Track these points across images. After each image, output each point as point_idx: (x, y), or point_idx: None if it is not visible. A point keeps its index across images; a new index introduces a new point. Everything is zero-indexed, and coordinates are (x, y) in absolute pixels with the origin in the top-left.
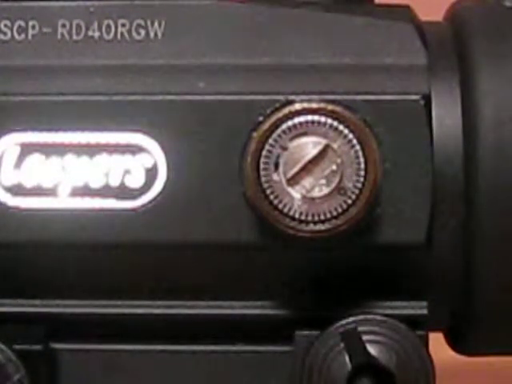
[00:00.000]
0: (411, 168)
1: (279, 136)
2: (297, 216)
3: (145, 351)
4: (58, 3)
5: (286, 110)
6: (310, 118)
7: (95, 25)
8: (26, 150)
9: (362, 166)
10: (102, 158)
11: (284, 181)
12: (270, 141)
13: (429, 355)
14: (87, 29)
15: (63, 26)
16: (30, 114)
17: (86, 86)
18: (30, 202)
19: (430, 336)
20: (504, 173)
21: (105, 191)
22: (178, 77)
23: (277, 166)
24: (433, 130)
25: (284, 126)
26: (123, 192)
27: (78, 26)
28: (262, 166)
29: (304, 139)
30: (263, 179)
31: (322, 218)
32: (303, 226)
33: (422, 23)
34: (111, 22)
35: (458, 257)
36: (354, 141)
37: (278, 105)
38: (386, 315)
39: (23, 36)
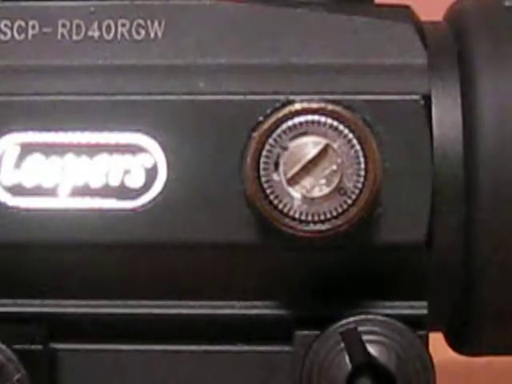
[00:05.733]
0: (411, 168)
1: (279, 136)
2: (297, 216)
3: (145, 351)
4: (58, 3)
5: (286, 110)
6: (309, 117)
7: (95, 25)
8: (26, 149)
9: (362, 165)
10: (102, 158)
11: (284, 181)
12: (270, 141)
13: (429, 355)
14: (87, 29)
15: (63, 25)
16: (30, 114)
17: (86, 86)
18: (30, 201)
19: (430, 336)
20: (504, 173)
21: (105, 191)
22: (178, 77)
23: (277, 165)
24: (433, 129)
25: (284, 126)
26: (123, 192)
27: (78, 26)
28: (262, 165)
29: (304, 139)
30: (263, 179)
31: (322, 217)
32: (303, 226)
33: (422, 23)
34: (111, 22)
35: (457, 257)
36: (354, 141)
37: (277, 105)
38: (386, 315)
39: (23, 36)
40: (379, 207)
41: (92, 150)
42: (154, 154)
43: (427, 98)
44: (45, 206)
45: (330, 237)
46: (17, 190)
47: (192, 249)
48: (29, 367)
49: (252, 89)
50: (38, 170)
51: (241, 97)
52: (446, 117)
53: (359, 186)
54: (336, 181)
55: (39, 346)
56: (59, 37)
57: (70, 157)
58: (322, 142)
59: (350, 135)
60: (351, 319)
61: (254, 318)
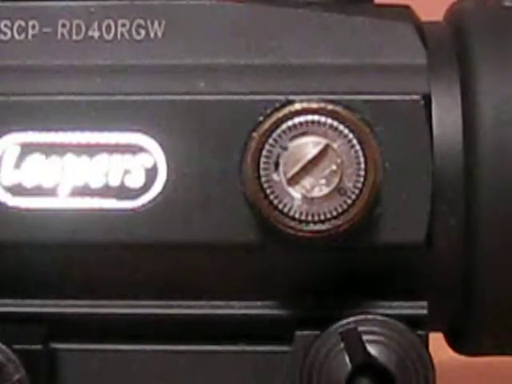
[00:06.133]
0: (411, 168)
1: (279, 136)
2: (297, 216)
3: (145, 351)
4: (58, 3)
5: (285, 110)
6: (309, 117)
7: (95, 25)
8: (26, 149)
9: (362, 165)
10: (102, 158)
11: (284, 181)
12: (270, 141)
13: (429, 355)
14: (87, 29)
15: (63, 25)
16: (30, 114)
17: (86, 86)
18: (30, 201)
19: (430, 336)
20: (504, 172)
21: (105, 191)
22: (178, 77)
23: (277, 165)
24: (433, 129)
25: (284, 126)
26: (123, 192)
27: (78, 26)
28: (262, 165)
29: (304, 139)
30: (263, 179)
31: (322, 218)
32: (303, 226)
33: (422, 23)
34: (111, 22)
35: (457, 257)
36: (354, 141)
37: (277, 105)
38: (386, 315)
39: (23, 36)
40: (379, 207)
41: (92, 149)
42: (154, 153)
43: (427, 98)
44: (45, 206)
45: (330, 237)
46: (17, 190)
47: (192, 249)
48: (29, 367)
49: (252, 89)
50: (38, 170)
51: (241, 97)
52: (446, 117)
53: (359, 185)
54: (336, 181)
55: (39, 346)
56: (59, 37)
57: (69, 157)
58: (322, 142)
59: (350, 135)
60: (351, 319)
61: (254, 318)
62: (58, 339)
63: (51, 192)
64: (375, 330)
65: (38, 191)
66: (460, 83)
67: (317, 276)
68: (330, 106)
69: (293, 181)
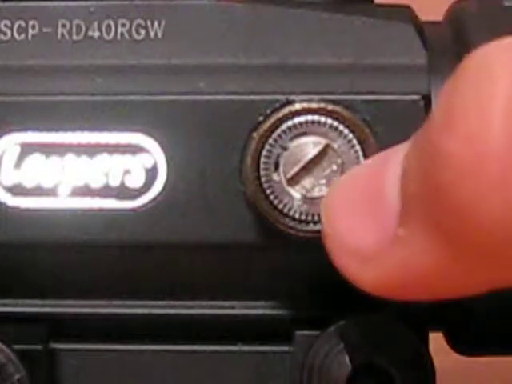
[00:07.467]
0: None
1: (279, 136)
2: (297, 216)
3: (145, 351)
4: (58, 3)
5: (286, 110)
6: (310, 117)
7: (95, 25)
8: (26, 149)
9: None
10: (102, 158)
11: (284, 181)
12: (270, 141)
13: (429, 355)
14: (87, 29)
15: (63, 26)
16: (30, 114)
17: (86, 86)
18: (30, 201)
19: (430, 336)
20: None
21: (105, 191)
22: (178, 77)
23: (277, 165)
24: None
25: (284, 126)
26: (123, 192)
27: (78, 26)
28: (262, 165)
29: (304, 139)
30: (263, 179)
31: None
32: (303, 226)
33: (422, 23)
34: (111, 22)
35: None
36: (354, 141)
37: (277, 105)
38: (386, 315)
39: (23, 36)
40: None
41: (92, 149)
42: (154, 153)
43: (427, 98)
44: (45, 206)
45: None
46: (17, 190)
47: (192, 249)
48: (29, 367)
49: (252, 89)
50: (38, 170)
51: (241, 97)
52: None
53: None
54: None
55: (39, 346)
56: (59, 37)
57: (69, 157)
58: (322, 142)
59: (350, 135)
60: (351, 319)
61: (254, 318)
62: (58, 339)
63: (51, 192)
64: (375, 330)
65: (38, 191)
66: None
67: (317, 276)
68: (330, 106)
69: (293, 181)
